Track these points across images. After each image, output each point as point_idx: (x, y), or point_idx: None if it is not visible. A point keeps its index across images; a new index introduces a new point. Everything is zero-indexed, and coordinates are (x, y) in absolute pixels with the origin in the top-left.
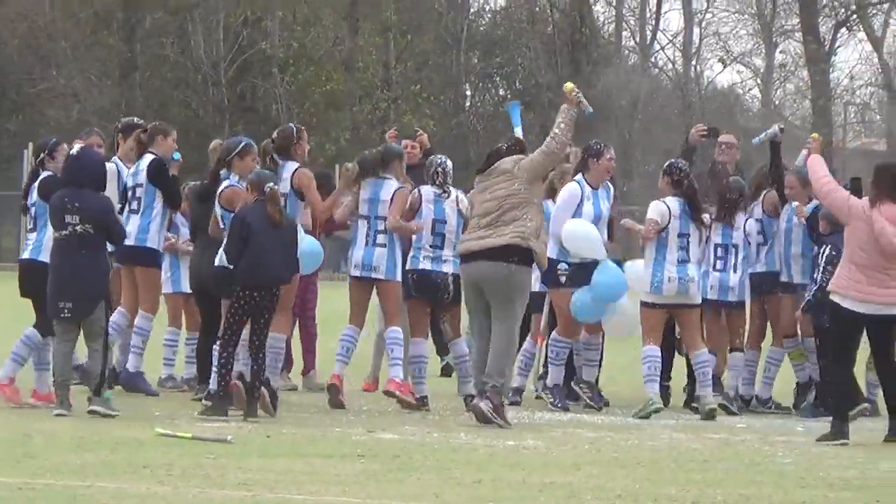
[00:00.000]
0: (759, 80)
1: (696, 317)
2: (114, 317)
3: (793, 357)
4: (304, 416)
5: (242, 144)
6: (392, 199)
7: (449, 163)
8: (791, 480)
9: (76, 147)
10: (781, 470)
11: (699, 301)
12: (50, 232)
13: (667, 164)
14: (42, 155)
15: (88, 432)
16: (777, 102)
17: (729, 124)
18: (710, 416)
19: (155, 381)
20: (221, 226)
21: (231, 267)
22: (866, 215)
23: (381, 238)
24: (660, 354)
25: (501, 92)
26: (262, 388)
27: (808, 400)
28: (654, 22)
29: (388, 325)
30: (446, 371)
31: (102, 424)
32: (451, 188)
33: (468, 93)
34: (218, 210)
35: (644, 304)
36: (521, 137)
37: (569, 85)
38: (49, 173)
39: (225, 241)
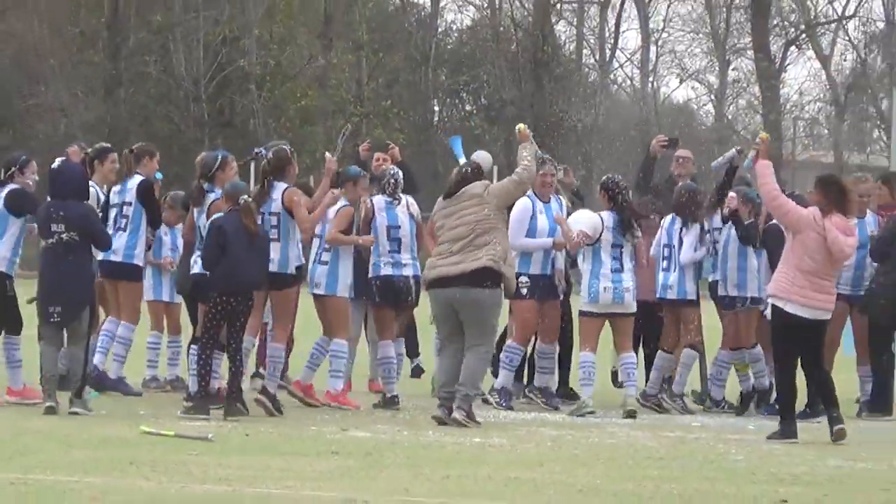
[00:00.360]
0: (712, 96)
1: (630, 324)
2: (107, 325)
3: (737, 368)
4: (281, 416)
5: (221, 158)
6: (335, 216)
7: (400, 174)
8: (742, 476)
9: (57, 161)
10: (734, 467)
11: (634, 309)
12: (7, 242)
13: (604, 178)
14: (12, 169)
15: (77, 430)
16: (730, 117)
17: (684, 138)
18: (630, 415)
19: (139, 382)
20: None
21: (207, 273)
22: (818, 225)
23: (325, 256)
24: (594, 361)
25: (468, 107)
26: (262, 396)
27: (750, 409)
28: (612, 40)
29: (332, 337)
30: (416, 372)
31: (90, 423)
32: (401, 195)
33: (436, 108)
34: (204, 221)
35: (582, 314)
36: None
37: (521, 126)
38: (16, 186)
39: (202, 249)
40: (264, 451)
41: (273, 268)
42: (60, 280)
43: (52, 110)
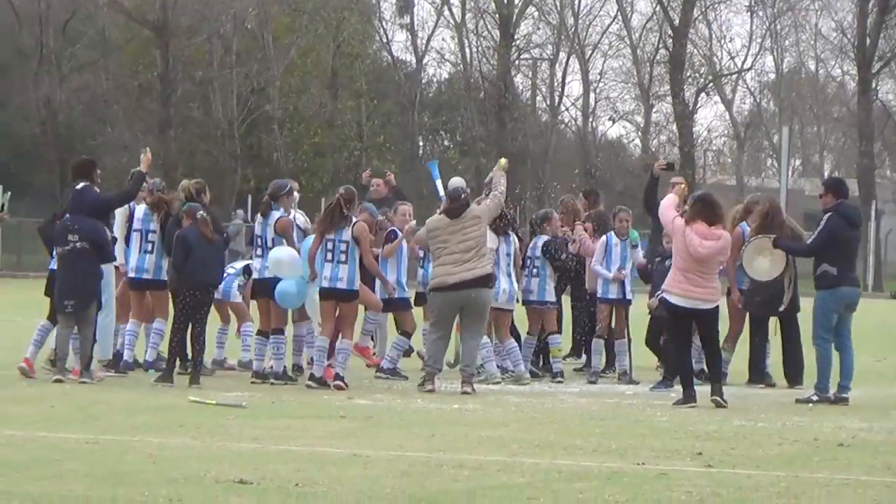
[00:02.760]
0: (639, 133)
1: (509, 318)
2: (130, 326)
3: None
4: (300, 387)
5: (288, 188)
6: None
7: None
8: (667, 433)
9: (80, 184)
10: (659, 426)
11: (512, 307)
12: None
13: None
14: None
15: (137, 400)
16: (653, 149)
17: (617, 168)
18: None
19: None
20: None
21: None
22: (683, 231)
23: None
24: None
25: (446, 142)
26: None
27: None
28: (560, 89)
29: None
30: (406, 353)
31: (148, 394)
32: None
33: (421, 143)
34: (269, 233)
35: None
36: (439, 188)
37: (503, 161)
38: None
39: (172, 254)
40: (287, 416)
41: (343, 285)
42: (74, 280)
43: (117, 147)
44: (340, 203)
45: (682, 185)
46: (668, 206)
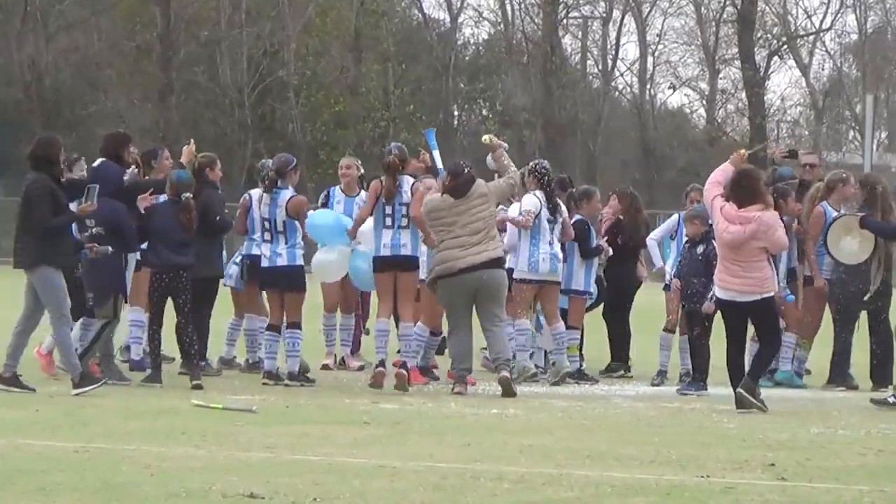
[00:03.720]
0: (703, 102)
1: (557, 293)
2: (132, 315)
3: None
4: (318, 389)
5: (294, 163)
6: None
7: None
8: (734, 442)
9: (98, 161)
10: (726, 433)
11: (558, 278)
12: None
13: (533, 164)
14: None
15: (134, 403)
16: (719, 121)
17: (678, 140)
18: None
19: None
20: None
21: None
22: (713, 214)
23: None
24: (529, 328)
25: (484, 112)
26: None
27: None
28: (614, 52)
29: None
30: (440, 349)
31: (146, 396)
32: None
33: (455, 113)
34: (282, 215)
35: (519, 281)
36: (437, 160)
37: (486, 137)
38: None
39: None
40: (303, 422)
41: (407, 252)
42: (92, 270)
43: (111, 116)
44: (395, 164)
45: (742, 152)
46: (714, 181)
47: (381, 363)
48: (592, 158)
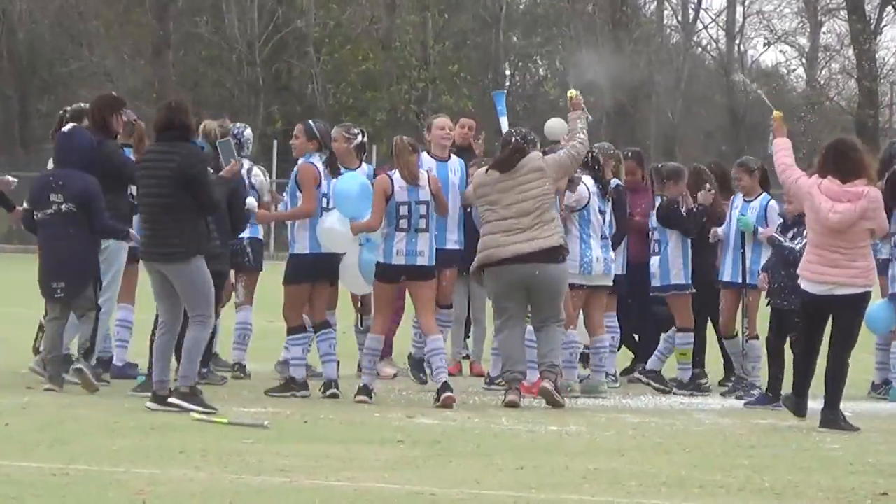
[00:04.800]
0: (803, 60)
1: (604, 300)
2: (121, 313)
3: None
4: (343, 401)
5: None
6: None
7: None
8: (840, 466)
9: (68, 126)
10: (829, 456)
11: (609, 282)
12: None
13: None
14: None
15: (123, 417)
16: (822, 82)
17: (774, 103)
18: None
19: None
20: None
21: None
22: (810, 193)
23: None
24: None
25: (542, 72)
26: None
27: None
28: (696, 1)
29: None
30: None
31: (137, 409)
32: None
33: (507, 73)
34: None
35: (572, 286)
36: (506, 127)
37: (572, 92)
38: None
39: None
40: (324, 439)
41: (424, 261)
42: (62, 254)
43: (97, 75)
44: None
45: (778, 114)
46: (785, 164)
47: (366, 388)
48: (671, 127)
